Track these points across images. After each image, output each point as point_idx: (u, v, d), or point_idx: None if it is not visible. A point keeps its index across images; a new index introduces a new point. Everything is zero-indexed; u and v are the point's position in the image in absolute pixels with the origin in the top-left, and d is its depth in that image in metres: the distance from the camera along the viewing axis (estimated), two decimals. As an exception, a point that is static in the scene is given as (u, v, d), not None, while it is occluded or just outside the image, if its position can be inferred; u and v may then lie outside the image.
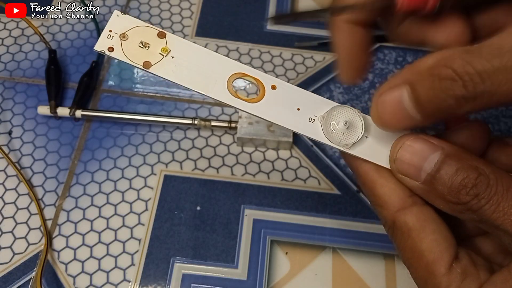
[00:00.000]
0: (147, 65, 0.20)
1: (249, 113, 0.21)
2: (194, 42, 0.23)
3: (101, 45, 0.20)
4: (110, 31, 0.20)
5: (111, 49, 0.20)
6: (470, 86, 0.16)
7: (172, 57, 0.20)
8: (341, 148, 0.20)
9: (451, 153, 0.18)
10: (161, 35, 0.21)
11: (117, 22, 0.21)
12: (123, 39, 0.20)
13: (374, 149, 0.20)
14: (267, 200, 0.36)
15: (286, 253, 0.34)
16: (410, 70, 0.18)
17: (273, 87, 0.21)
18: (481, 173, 0.17)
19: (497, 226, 0.17)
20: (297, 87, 0.21)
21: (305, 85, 0.41)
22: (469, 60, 0.16)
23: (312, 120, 0.21)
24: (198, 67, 0.20)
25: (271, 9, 0.46)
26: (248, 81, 0.21)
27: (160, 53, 0.20)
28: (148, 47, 0.20)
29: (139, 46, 0.20)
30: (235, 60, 0.21)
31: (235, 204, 0.35)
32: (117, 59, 0.20)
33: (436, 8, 0.19)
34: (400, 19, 0.22)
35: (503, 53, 0.15)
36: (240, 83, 0.36)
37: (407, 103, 0.18)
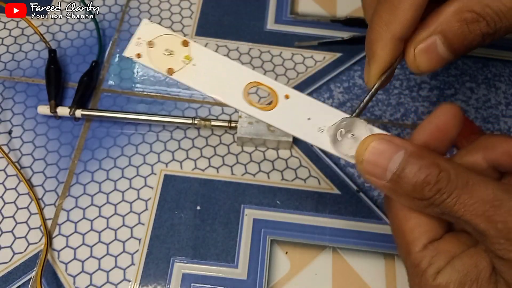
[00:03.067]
0: (170, 71, 0.22)
1: (263, 121, 0.22)
2: (205, 46, 0.24)
3: (130, 52, 0.22)
4: (139, 38, 0.22)
5: (138, 55, 0.22)
6: (492, 24, 0.19)
7: (194, 64, 0.22)
8: (347, 159, 0.21)
9: (414, 152, 0.20)
10: (185, 44, 0.22)
11: (146, 29, 0.22)
12: (150, 46, 0.22)
13: None
14: (267, 200, 0.36)
15: (286, 252, 0.34)
16: (438, 21, 0.21)
17: (287, 96, 0.22)
18: (442, 169, 0.19)
19: (459, 217, 0.19)
20: (309, 97, 0.22)
21: (305, 84, 0.41)
22: (485, 3, 0.19)
23: (321, 130, 0.22)
24: (218, 75, 0.22)
25: (271, 9, 0.46)
26: (263, 89, 0.22)
27: (183, 61, 0.22)
28: (172, 54, 0.22)
29: (164, 53, 0.22)
30: (247, 67, 0.22)
31: (235, 203, 0.35)
32: (144, 65, 0.22)
33: None
34: None
35: None
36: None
37: (441, 48, 0.21)
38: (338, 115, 0.22)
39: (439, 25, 0.21)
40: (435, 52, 0.21)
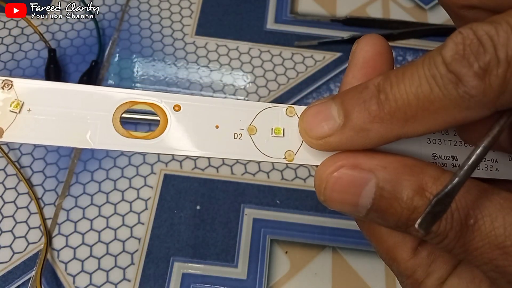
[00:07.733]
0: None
1: (154, 153, 0.17)
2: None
3: None
4: None
5: None
6: None
7: (29, 110, 0.16)
8: (285, 162, 0.17)
9: (387, 179, 0.15)
10: (7, 85, 0.16)
11: None
12: None
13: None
14: (267, 199, 0.36)
15: (286, 252, 0.34)
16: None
17: (177, 108, 0.17)
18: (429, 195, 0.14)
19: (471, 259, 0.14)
20: (208, 98, 0.17)
21: (304, 84, 0.41)
22: None
23: (239, 135, 0.16)
24: (68, 113, 0.16)
25: (271, 9, 0.46)
26: (143, 110, 0.18)
27: (11, 111, 0.16)
28: None
29: None
30: (109, 88, 0.17)
31: (235, 203, 0.35)
32: None
33: None
34: None
35: None
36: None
37: None
38: (255, 107, 0.17)
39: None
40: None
